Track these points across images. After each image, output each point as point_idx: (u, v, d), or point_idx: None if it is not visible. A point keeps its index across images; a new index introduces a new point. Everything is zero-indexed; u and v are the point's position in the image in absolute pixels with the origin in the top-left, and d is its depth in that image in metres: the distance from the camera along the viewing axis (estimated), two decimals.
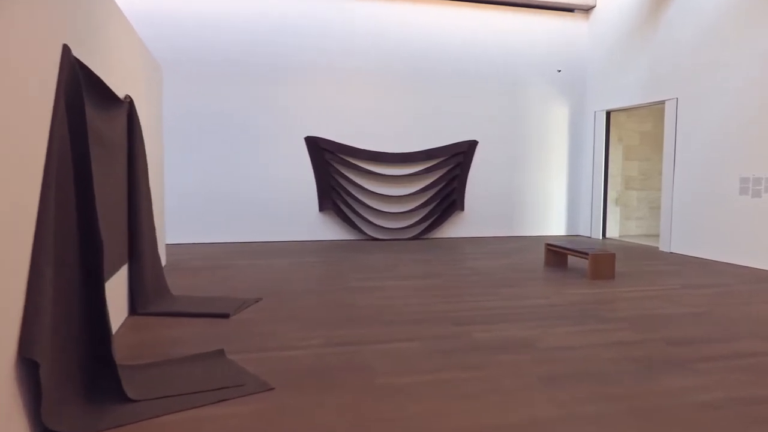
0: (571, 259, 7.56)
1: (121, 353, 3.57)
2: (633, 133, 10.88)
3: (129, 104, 4.56)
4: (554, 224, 10.85)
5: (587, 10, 10.62)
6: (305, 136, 9.53)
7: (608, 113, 10.30)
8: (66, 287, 2.70)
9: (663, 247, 8.77)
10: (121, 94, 4.36)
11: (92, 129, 3.33)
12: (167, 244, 8.51)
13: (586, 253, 6.36)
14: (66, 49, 2.85)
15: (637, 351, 3.73)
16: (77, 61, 2.98)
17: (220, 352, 3.54)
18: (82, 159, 2.84)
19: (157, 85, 6.40)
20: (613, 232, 10.63)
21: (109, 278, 3.82)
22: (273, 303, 5.01)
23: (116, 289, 4.18)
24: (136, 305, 4.57)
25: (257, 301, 5.07)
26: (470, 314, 4.67)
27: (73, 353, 2.73)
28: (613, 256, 6.36)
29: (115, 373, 2.86)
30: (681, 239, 8.42)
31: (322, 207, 9.63)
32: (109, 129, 3.82)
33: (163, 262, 6.92)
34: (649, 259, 7.87)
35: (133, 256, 4.59)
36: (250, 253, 8.06)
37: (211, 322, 4.38)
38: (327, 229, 9.73)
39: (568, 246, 6.85)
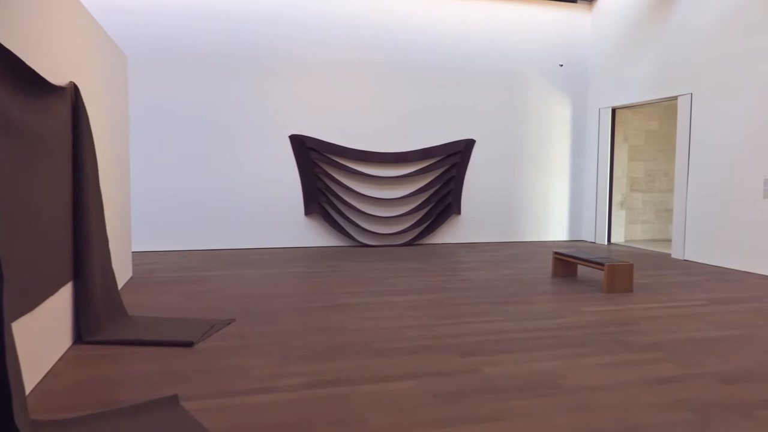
0: (581, 269, 6.91)
1: (49, 400, 2.85)
2: (638, 131, 10.27)
3: (73, 94, 3.84)
4: (555, 229, 10.20)
5: None
6: (290, 134, 8.82)
7: (614, 110, 9.67)
8: None
9: (675, 255, 8.15)
10: (61, 81, 3.64)
11: (2, 116, 2.61)
12: (137, 252, 7.78)
13: (602, 264, 5.71)
14: None
15: (684, 391, 3.07)
16: None
17: (173, 400, 2.83)
18: None
19: (118, 74, 5.66)
20: (618, 237, 10.01)
21: (36, 306, 3.10)
22: (247, 326, 4.30)
23: (56, 313, 3.46)
24: (82, 331, 3.84)
25: (229, 323, 4.36)
26: (476, 340, 3.99)
27: None
28: (631, 267, 5.71)
29: None
30: (696, 246, 7.80)
31: (308, 211, 8.92)
32: (37, 120, 3.10)
33: (129, 275, 6.19)
34: (664, 268, 7.24)
35: (78, 273, 3.86)
36: (228, 263, 7.33)
37: (170, 352, 3.67)
38: (313, 235, 9.02)
39: (579, 255, 6.19)
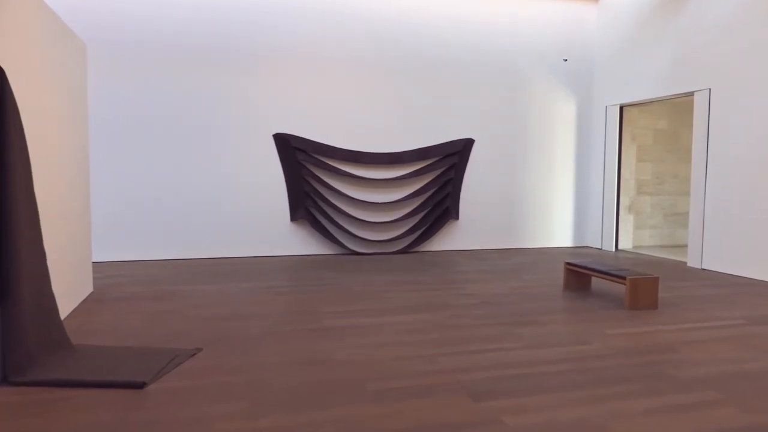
0: (595, 280, 6.27)
1: None
2: (646, 131, 9.67)
3: None
4: (559, 234, 9.57)
5: None
6: (274, 133, 8.12)
7: (621, 108, 9.06)
8: None
9: (692, 263, 7.53)
10: None
11: None
12: (103, 263, 7.06)
13: (622, 277, 5.06)
14: None
15: None
16: None
17: None
18: None
19: (73, 63, 4.94)
20: (625, 243, 9.40)
21: None
22: (215, 357, 3.60)
23: None
24: (6, 370, 3.12)
25: (194, 354, 3.65)
26: (491, 376, 3.31)
27: None
28: (656, 280, 5.06)
29: None
30: (715, 254, 7.18)
31: (294, 216, 8.22)
32: None
33: (89, 290, 5.46)
34: (683, 279, 6.62)
35: (3, 297, 3.14)
36: (203, 275, 6.62)
37: (116, 396, 2.96)
38: (300, 243, 8.32)
39: (595, 267, 5.55)
